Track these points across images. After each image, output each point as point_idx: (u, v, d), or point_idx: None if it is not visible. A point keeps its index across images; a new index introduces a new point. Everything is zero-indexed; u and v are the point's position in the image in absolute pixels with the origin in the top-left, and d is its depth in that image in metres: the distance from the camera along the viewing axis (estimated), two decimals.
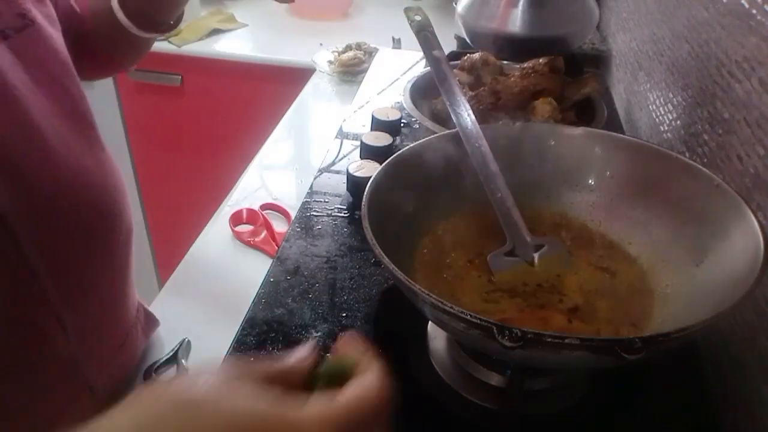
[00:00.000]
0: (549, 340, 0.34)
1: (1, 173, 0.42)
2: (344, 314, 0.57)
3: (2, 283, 0.41)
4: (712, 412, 0.50)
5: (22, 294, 0.43)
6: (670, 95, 0.81)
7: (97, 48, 0.64)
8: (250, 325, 0.56)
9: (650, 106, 0.89)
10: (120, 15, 0.59)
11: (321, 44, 1.50)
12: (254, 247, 0.82)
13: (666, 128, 0.82)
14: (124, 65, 0.71)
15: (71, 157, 0.47)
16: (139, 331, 0.61)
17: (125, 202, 0.55)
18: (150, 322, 0.63)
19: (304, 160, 1.07)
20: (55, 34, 0.51)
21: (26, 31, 0.47)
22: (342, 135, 0.91)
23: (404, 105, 0.78)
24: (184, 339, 0.64)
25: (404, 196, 0.52)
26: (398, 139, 0.83)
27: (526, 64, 0.81)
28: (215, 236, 0.83)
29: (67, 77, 0.51)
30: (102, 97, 1.63)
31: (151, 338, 0.65)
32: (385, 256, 0.40)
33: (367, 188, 0.48)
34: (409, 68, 1.18)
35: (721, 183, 0.48)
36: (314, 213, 0.72)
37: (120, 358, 0.56)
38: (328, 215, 0.72)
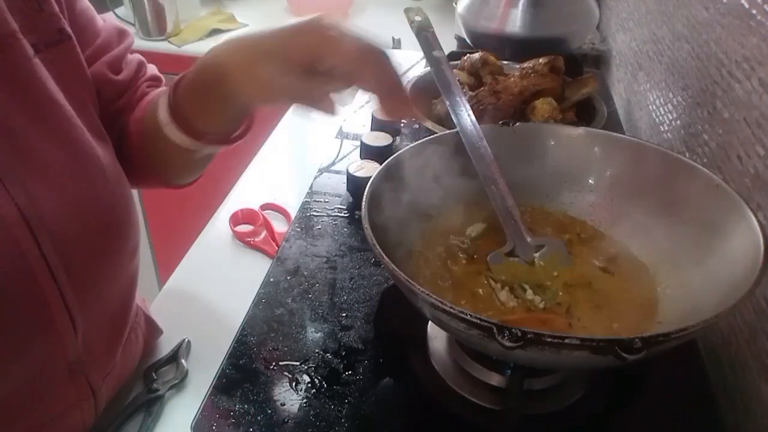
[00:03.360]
0: (549, 340, 0.34)
1: (41, 180, 0.43)
2: (344, 314, 0.57)
3: (21, 281, 0.42)
4: (712, 412, 0.50)
5: (39, 291, 0.44)
6: (670, 95, 0.81)
7: (145, 166, 0.58)
8: (250, 325, 0.56)
9: (650, 106, 0.89)
10: (168, 129, 0.50)
11: None
12: (254, 247, 0.82)
13: (666, 128, 0.82)
14: (175, 182, 0.63)
15: (98, 168, 0.48)
16: (139, 337, 0.61)
17: (135, 212, 0.55)
18: (151, 328, 0.64)
19: (304, 160, 1.07)
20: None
21: (60, 45, 0.47)
22: (342, 135, 0.91)
23: None
24: (184, 339, 0.64)
25: (404, 196, 0.52)
26: (398, 139, 0.83)
27: (526, 64, 0.81)
28: (215, 236, 0.83)
29: (89, 94, 0.51)
30: None
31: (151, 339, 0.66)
32: (385, 256, 0.40)
33: (367, 188, 0.48)
34: (409, 68, 1.18)
35: (721, 183, 0.48)
36: (314, 213, 0.72)
37: (122, 363, 0.57)
38: (328, 215, 0.72)
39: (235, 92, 0.45)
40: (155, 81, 0.61)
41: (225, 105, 0.48)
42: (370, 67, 0.40)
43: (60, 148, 0.45)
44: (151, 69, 0.62)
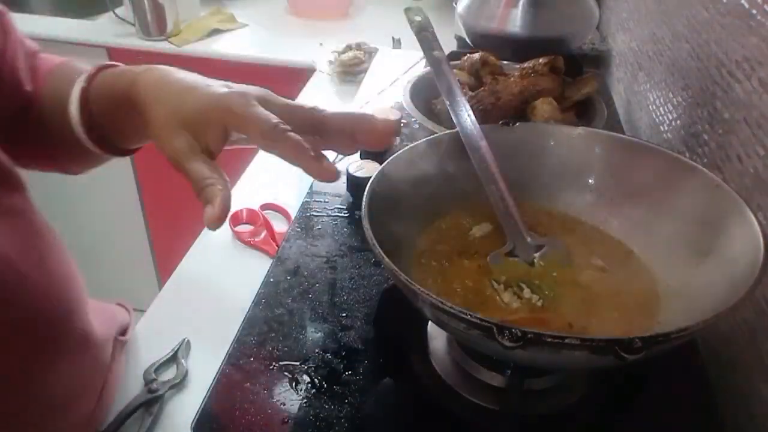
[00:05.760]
0: (549, 340, 0.34)
1: None
2: (344, 314, 0.57)
3: None
4: (712, 412, 0.50)
5: None
6: (670, 95, 0.81)
7: (39, 141, 0.54)
8: (250, 325, 0.56)
9: (650, 106, 0.89)
10: (78, 129, 0.50)
11: (321, 44, 1.50)
12: (254, 247, 0.82)
13: (666, 128, 0.82)
14: (67, 169, 0.59)
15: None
16: (121, 363, 0.59)
17: (76, 285, 0.47)
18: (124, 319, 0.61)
19: None
20: None
21: None
22: None
23: (404, 105, 0.78)
24: (184, 339, 0.64)
25: (404, 196, 0.52)
26: (398, 139, 0.83)
27: (526, 64, 0.81)
28: (215, 236, 0.83)
29: None
30: None
31: (150, 339, 0.65)
32: (385, 256, 0.40)
33: (367, 188, 0.48)
34: (409, 68, 1.18)
35: (721, 183, 0.48)
36: (314, 213, 0.72)
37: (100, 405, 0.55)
38: (328, 215, 0.72)
39: (144, 133, 0.46)
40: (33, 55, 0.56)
41: (133, 133, 0.51)
42: (278, 144, 0.42)
43: None
44: (30, 45, 0.55)
